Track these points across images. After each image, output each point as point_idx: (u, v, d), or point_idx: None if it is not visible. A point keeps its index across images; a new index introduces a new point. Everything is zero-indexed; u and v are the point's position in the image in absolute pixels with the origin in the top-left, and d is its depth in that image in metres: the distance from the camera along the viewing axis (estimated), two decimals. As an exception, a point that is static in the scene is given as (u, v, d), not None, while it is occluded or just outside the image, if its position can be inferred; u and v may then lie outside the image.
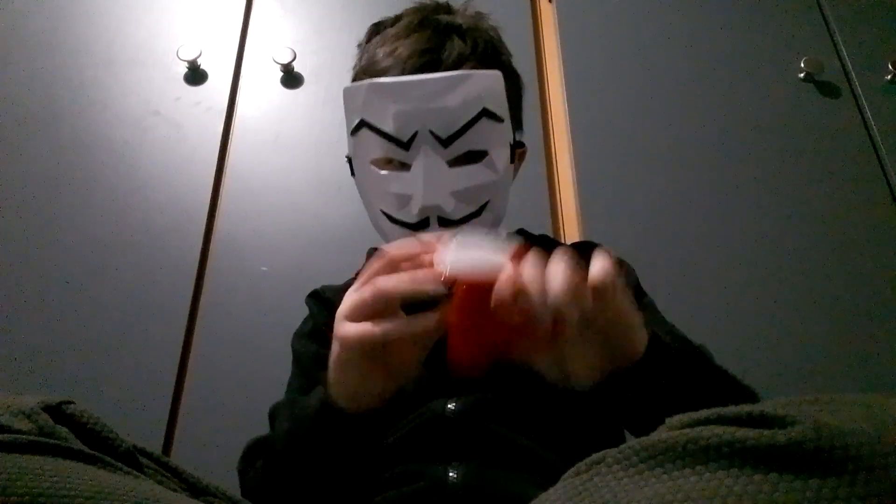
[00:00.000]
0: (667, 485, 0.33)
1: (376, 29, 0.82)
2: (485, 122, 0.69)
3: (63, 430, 0.43)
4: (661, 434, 0.35)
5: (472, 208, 0.71)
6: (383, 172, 0.71)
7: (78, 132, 1.19)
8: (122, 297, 1.05)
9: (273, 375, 0.99)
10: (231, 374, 1.01)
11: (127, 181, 1.15)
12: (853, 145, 1.27)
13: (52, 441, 0.41)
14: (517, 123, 0.80)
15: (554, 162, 1.24)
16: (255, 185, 1.16)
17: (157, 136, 1.19)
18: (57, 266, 1.07)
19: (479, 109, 0.69)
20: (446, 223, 0.70)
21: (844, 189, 1.22)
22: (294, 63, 1.25)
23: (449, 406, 0.63)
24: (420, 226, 0.70)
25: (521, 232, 0.88)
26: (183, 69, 1.25)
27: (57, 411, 0.44)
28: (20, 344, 1.01)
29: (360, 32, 1.32)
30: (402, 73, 0.70)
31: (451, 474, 0.58)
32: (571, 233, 1.16)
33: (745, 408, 0.34)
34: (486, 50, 0.76)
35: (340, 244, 1.10)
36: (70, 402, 0.46)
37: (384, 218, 0.73)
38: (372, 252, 0.88)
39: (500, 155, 0.72)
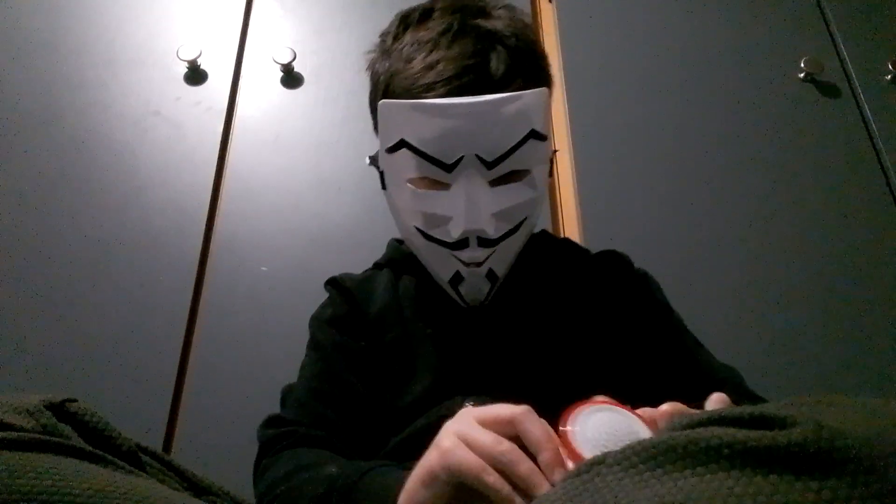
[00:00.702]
0: (667, 486, 0.33)
1: (405, 23, 0.76)
2: (531, 143, 0.67)
3: (66, 429, 0.43)
4: (663, 435, 0.35)
5: (511, 226, 0.69)
6: (420, 191, 0.68)
7: (78, 132, 1.19)
8: (122, 297, 1.05)
9: (273, 375, 0.99)
10: (231, 374, 1.01)
11: (127, 181, 1.15)
12: (853, 145, 1.27)
13: (54, 439, 0.41)
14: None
15: (554, 162, 1.24)
16: (255, 185, 1.16)
17: (157, 136, 1.19)
18: (57, 266, 1.07)
19: (527, 131, 0.66)
20: (485, 243, 0.68)
21: (844, 189, 1.22)
22: (294, 63, 1.25)
23: (467, 404, 0.62)
24: (458, 245, 0.68)
25: (543, 234, 0.87)
26: (183, 69, 1.25)
27: (60, 409, 0.44)
28: (21, 344, 1.01)
29: (361, 32, 1.33)
30: (448, 92, 0.66)
31: None
32: (571, 233, 1.16)
33: (746, 409, 0.34)
34: (531, 62, 0.72)
35: (340, 244, 1.10)
36: (73, 401, 0.46)
37: (418, 234, 0.70)
38: (394, 243, 0.86)
39: (541, 172, 0.70)
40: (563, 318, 0.74)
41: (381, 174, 0.74)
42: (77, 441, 0.43)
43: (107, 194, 1.14)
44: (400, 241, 0.86)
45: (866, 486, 0.29)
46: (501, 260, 0.71)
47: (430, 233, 0.69)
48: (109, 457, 0.43)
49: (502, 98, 0.65)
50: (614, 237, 1.10)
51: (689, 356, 0.75)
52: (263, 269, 1.09)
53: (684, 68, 1.32)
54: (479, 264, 0.69)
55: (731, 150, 1.24)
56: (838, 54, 1.36)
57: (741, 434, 0.32)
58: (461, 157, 0.65)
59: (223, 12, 1.33)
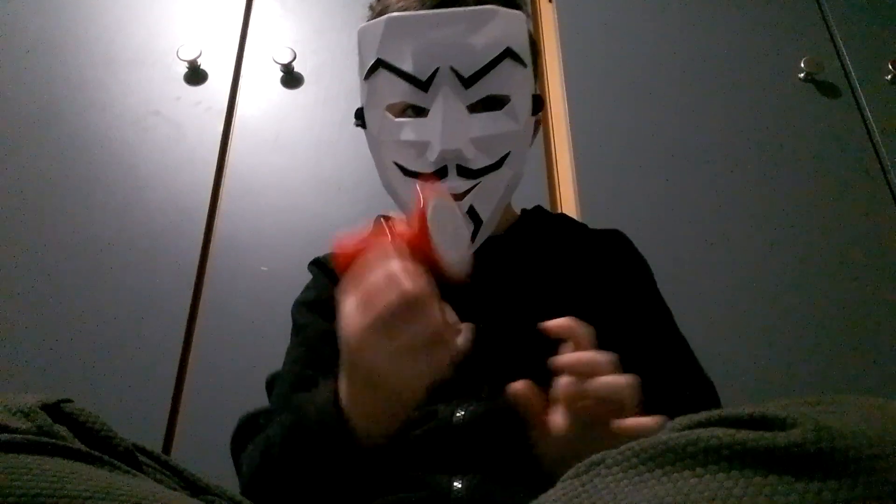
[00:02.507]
0: (666, 486, 0.33)
1: None
2: (508, 64, 0.65)
3: (62, 429, 0.43)
4: (662, 435, 0.35)
5: (492, 159, 0.66)
6: (398, 119, 0.67)
7: (78, 132, 1.19)
8: (122, 297, 1.05)
9: (273, 375, 0.98)
10: (231, 373, 1.01)
11: (127, 181, 1.15)
12: (853, 145, 1.27)
13: (50, 440, 0.40)
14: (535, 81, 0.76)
15: (554, 161, 1.24)
16: (255, 185, 1.16)
17: (157, 136, 1.19)
18: (57, 266, 1.07)
19: (503, 49, 0.65)
20: (465, 173, 0.65)
21: (844, 189, 1.22)
22: (294, 63, 1.25)
23: (458, 414, 0.60)
24: (437, 175, 0.65)
25: (538, 210, 0.84)
26: (183, 69, 1.25)
27: (56, 410, 0.44)
28: (20, 344, 1.01)
29: (360, 32, 1.33)
30: (422, 7, 0.66)
31: (455, 485, 0.56)
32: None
33: (746, 409, 0.34)
34: None
35: (340, 244, 1.10)
36: (69, 401, 0.45)
37: (396, 172, 0.68)
38: (380, 220, 0.85)
39: (523, 104, 0.68)
40: (556, 294, 0.71)
41: (359, 118, 0.73)
42: (73, 442, 0.43)
43: (107, 194, 1.14)
44: (387, 217, 0.85)
45: (867, 487, 0.29)
46: (484, 199, 0.67)
47: (410, 166, 0.67)
48: (106, 457, 0.42)
49: (477, 10, 0.64)
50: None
51: (667, 355, 0.72)
52: (263, 269, 1.09)
53: (684, 68, 1.32)
54: (459, 197, 0.66)
55: (730, 150, 1.24)
56: (838, 54, 1.36)
57: (740, 435, 0.32)
58: (436, 71, 0.64)
59: (223, 12, 1.33)
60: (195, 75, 1.25)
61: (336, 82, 1.26)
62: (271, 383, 0.74)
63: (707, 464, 0.32)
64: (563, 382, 0.52)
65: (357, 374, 0.52)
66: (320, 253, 1.11)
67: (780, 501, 0.30)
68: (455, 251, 0.49)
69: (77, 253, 1.08)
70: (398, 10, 0.67)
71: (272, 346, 1.03)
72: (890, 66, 1.32)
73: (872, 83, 1.32)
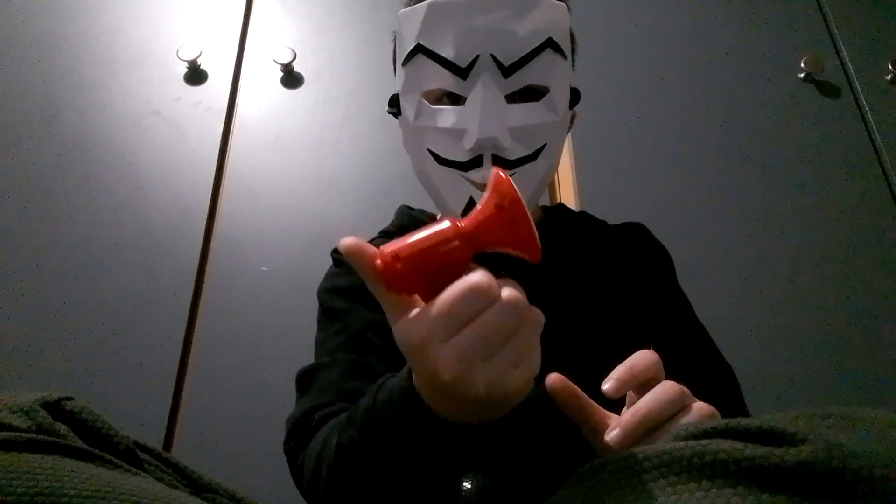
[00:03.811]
0: (670, 498, 0.32)
1: None
2: (549, 55, 0.65)
3: (62, 428, 0.43)
4: (667, 444, 0.34)
5: (528, 150, 0.65)
6: (435, 106, 0.66)
7: (78, 132, 1.19)
8: (122, 297, 1.05)
9: (273, 375, 0.99)
10: (231, 373, 1.01)
11: (127, 181, 1.15)
12: (853, 145, 1.27)
13: (50, 439, 0.40)
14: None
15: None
16: (255, 185, 1.16)
17: (157, 136, 1.19)
18: (57, 266, 1.07)
19: (545, 38, 0.64)
20: (500, 163, 0.64)
21: (844, 189, 1.22)
22: (294, 63, 1.25)
23: (465, 485, 0.55)
24: (472, 164, 0.64)
25: (560, 207, 0.84)
26: (183, 69, 1.25)
27: (56, 408, 0.44)
28: (21, 343, 1.01)
29: (361, 32, 1.33)
30: None
31: (465, 485, 0.54)
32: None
33: (755, 421, 0.33)
34: None
35: (340, 244, 1.10)
36: (69, 399, 0.45)
37: (431, 160, 0.67)
38: (405, 209, 0.82)
39: (561, 96, 0.67)
40: (581, 290, 0.71)
41: (393, 105, 0.72)
42: (74, 440, 0.42)
43: (107, 194, 1.14)
44: (410, 208, 0.84)
45: None
46: (520, 192, 0.65)
47: (444, 154, 0.66)
48: (107, 455, 0.42)
49: None
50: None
51: (692, 345, 0.73)
52: (263, 269, 1.09)
53: (684, 68, 1.32)
54: None
55: (730, 150, 1.24)
56: (838, 54, 1.36)
57: (748, 450, 0.32)
58: (476, 58, 0.63)
59: (223, 12, 1.33)
60: (195, 75, 1.25)
61: (336, 82, 1.26)
62: (303, 377, 0.68)
63: (714, 478, 0.32)
64: (633, 418, 0.46)
65: (450, 405, 0.42)
66: (320, 253, 1.11)
67: None
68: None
69: (77, 253, 1.08)
70: None
71: (272, 345, 1.03)
72: (890, 66, 1.32)
73: (872, 83, 1.32)
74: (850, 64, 1.34)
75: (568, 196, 1.19)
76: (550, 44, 0.65)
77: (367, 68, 1.27)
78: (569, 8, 0.71)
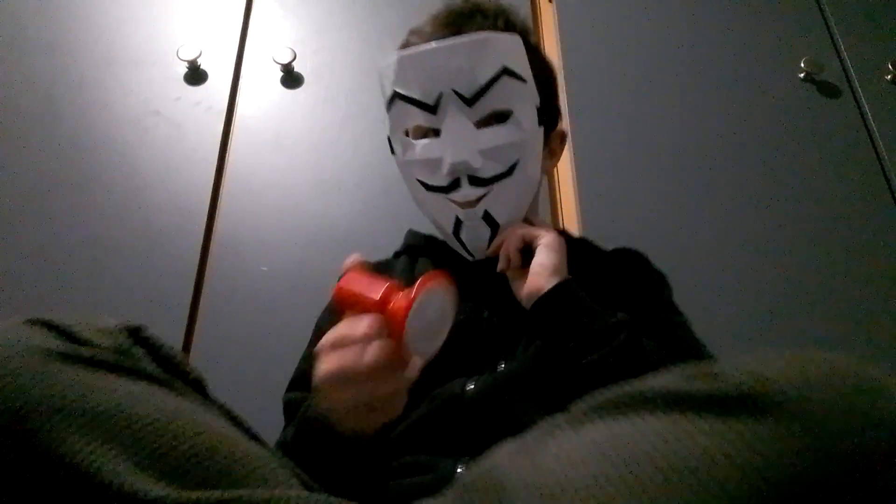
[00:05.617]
0: (601, 431, 0.35)
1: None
2: (507, 81, 0.72)
3: (139, 351, 0.46)
4: (608, 393, 0.38)
5: (502, 168, 0.73)
6: (415, 140, 0.75)
7: (78, 132, 1.19)
8: (122, 297, 1.05)
9: (273, 375, 0.98)
10: (231, 373, 1.01)
11: (127, 181, 1.15)
12: (853, 145, 1.27)
13: (127, 361, 0.44)
14: (554, 112, 0.85)
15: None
16: (255, 185, 1.16)
17: (157, 136, 1.19)
18: (57, 266, 1.07)
19: (499, 68, 0.71)
20: (476, 182, 0.72)
21: (844, 189, 1.22)
22: (294, 63, 1.25)
23: (469, 387, 0.64)
24: (452, 187, 0.73)
25: (562, 233, 0.87)
26: (183, 69, 1.25)
27: (135, 334, 0.47)
28: (20, 344, 1.01)
29: (361, 32, 1.33)
30: (431, 39, 0.74)
31: (459, 470, 0.58)
32: (572, 232, 1.16)
33: (687, 366, 0.37)
34: (506, 23, 0.78)
35: (340, 244, 1.10)
36: (146, 327, 0.49)
37: (420, 188, 0.76)
38: (411, 231, 0.91)
39: (526, 115, 0.74)
40: None
41: (390, 144, 0.81)
42: (149, 365, 0.46)
43: (107, 194, 1.14)
44: (415, 233, 0.91)
45: (795, 430, 0.31)
46: (498, 204, 0.74)
47: (429, 181, 0.75)
48: (177, 382, 0.45)
49: (470, 38, 0.72)
50: (614, 237, 1.10)
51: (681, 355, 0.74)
52: (263, 269, 1.09)
53: (684, 68, 1.32)
54: (472, 203, 0.74)
55: (730, 151, 1.24)
56: (838, 54, 1.36)
57: (674, 383, 0.35)
58: (440, 95, 0.71)
59: (223, 12, 1.33)
60: (195, 75, 1.25)
61: (336, 82, 1.26)
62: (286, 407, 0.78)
63: (641, 410, 0.35)
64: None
65: (320, 405, 0.55)
66: (320, 253, 1.11)
67: (703, 442, 0.31)
68: (424, 344, 0.51)
69: (77, 252, 1.08)
70: (411, 46, 0.76)
71: (272, 346, 1.03)
72: (890, 66, 1.32)
73: (872, 83, 1.32)
74: (850, 64, 1.34)
75: (568, 196, 1.20)
76: (506, 71, 0.72)
77: (367, 68, 1.27)
78: (526, 38, 0.78)
